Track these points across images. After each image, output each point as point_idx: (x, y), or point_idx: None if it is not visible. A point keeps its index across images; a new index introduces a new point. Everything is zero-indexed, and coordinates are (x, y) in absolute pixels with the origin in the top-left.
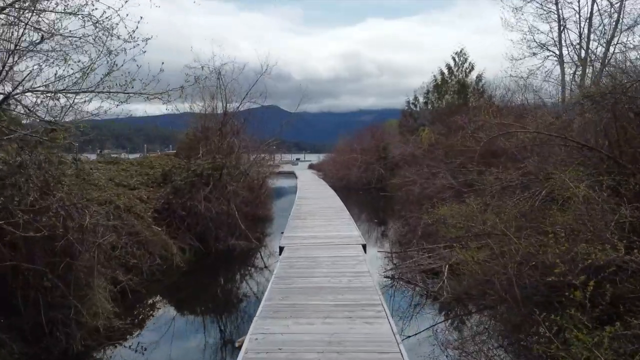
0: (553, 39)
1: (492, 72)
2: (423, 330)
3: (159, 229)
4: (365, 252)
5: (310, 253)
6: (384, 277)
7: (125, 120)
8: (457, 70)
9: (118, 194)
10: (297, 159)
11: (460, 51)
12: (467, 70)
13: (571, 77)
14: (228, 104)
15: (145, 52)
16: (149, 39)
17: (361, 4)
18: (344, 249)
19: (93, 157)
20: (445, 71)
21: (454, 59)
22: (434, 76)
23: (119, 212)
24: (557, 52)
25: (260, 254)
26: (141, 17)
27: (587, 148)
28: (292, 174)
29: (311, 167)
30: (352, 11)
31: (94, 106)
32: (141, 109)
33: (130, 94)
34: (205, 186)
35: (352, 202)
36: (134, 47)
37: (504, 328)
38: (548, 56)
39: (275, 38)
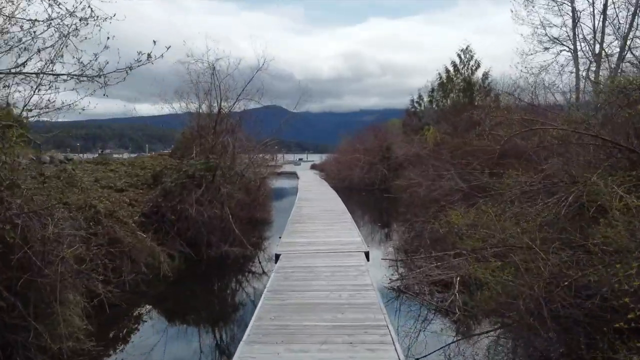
0: (567, 32)
1: (494, 71)
2: (433, 352)
3: (144, 235)
4: (368, 259)
5: (308, 262)
6: (389, 288)
7: (127, 120)
8: (462, 68)
9: (100, 197)
10: (300, 159)
11: (466, 48)
12: (473, 68)
13: (585, 73)
14: (223, 101)
15: (88, 24)
16: (111, 17)
17: (362, 4)
18: (345, 258)
19: (94, 156)
20: (451, 69)
21: (459, 56)
22: (439, 74)
23: (99, 217)
24: (572, 47)
25: (256, 261)
26: None
27: (618, 148)
28: (294, 175)
29: (313, 167)
30: (354, 11)
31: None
32: (144, 108)
33: (58, 75)
34: (197, 188)
35: (355, 203)
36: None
37: (528, 355)
38: (561, 51)
39: (277, 38)
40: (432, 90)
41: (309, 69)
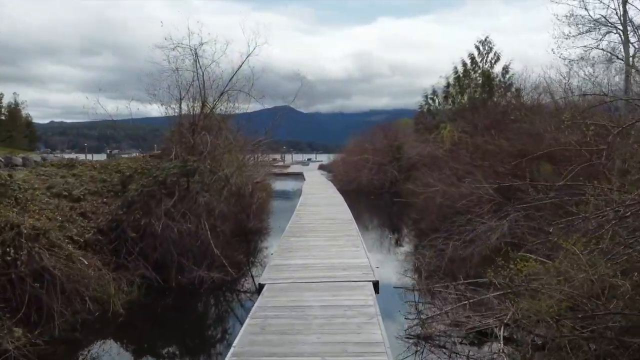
0: (615, 9)
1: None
2: None
3: (85, 262)
4: (377, 291)
5: (299, 298)
6: (406, 337)
7: (141, 121)
8: (481, 61)
9: (40, 211)
10: (308, 159)
11: (485, 39)
12: (493, 61)
13: (631, 60)
14: (209, 94)
15: None
16: None
17: (370, 4)
18: (347, 291)
19: (103, 156)
20: (468, 62)
21: (477, 48)
22: (455, 67)
23: (20, 241)
24: (621, 28)
25: (239, 289)
26: None
27: None
28: (300, 175)
29: (321, 167)
30: (362, 11)
31: None
32: (157, 109)
33: None
34: (168, 197)
35: (363, 208)
36: None
37: None
38: (607, 33)
39: (286, 38)
40: (447, 85)
41: (318, 69)
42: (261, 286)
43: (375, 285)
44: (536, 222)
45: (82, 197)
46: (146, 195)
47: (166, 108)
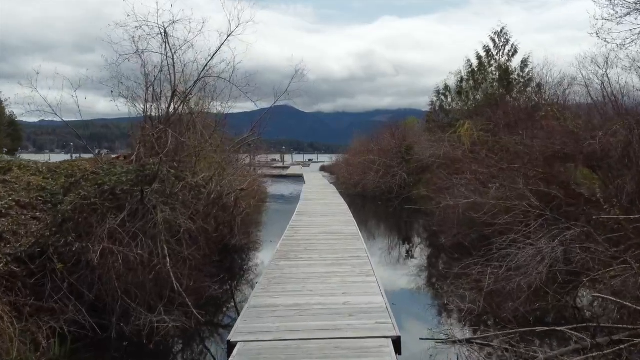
0: None
1: None
2: None
3: None
4: (398, 351)
5: None
6: None
7: (135, 119)
8: (497, 54)
9: None
10: (309, 160)
11: (501, 31)
12: (510, 54)
13: None
14: (181, 81)
15: None
16: None
17: (374, 3)
18: (357, 359)
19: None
20: (483, 54)
21: (493, 40)
22: (469, 61)
23: None
24: None
25: (205, 342)
26: None
27: None
28: (300, 178)
29: (323, 169)
30: (365, 10)
31: None
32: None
33: None
34: (117, 212)
35: (370, 217)
36: None
37: None
38: None
39: (289, 37)
40: (461, 80)
41: (321, 68)
42: (231, 346)
43: (396, 342)
44: (601, 245)
45: (2, 211)
46: (86, 210)
47: (116, 100)
